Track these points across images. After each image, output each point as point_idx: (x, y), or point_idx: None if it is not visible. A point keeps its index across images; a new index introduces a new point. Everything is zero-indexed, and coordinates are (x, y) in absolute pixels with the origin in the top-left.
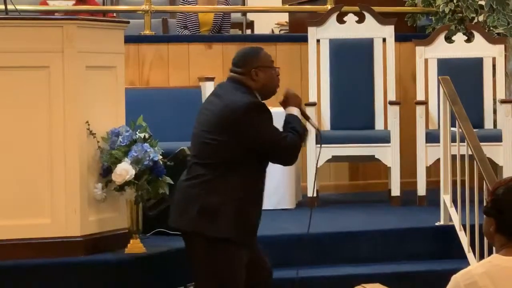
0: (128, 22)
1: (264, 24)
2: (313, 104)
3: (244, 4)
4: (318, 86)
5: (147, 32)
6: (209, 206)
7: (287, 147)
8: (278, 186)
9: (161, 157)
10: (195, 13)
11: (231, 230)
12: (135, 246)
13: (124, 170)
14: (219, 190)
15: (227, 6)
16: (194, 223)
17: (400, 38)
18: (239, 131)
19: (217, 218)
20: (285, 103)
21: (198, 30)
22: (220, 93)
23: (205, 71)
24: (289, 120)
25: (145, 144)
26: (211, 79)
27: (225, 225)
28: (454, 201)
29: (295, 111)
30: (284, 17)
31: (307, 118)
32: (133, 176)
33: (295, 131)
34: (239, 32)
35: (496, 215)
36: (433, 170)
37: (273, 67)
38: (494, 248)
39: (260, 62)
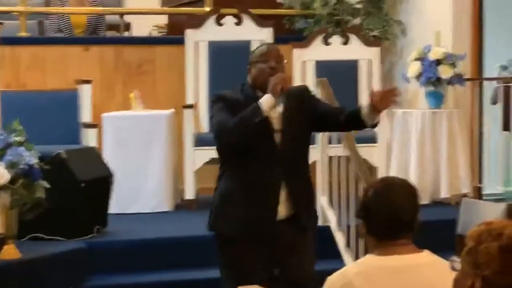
0: (2, 24)
1: (142, 26)
2: (190, 107)
3: (120, 6)
4: (196, 88)
5: (23, 33)
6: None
7: (217, 130)
8: (156, 188)
9: (37, 160)
10: (67, 15)
11: (213, 223)
12: (10, 252)
13: None
14: (217, 184)
15: (104, 8)
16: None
17: (278, 40)
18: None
19: (211, 212)
20: None
21: (72, 32)
22: None
23: (82, 73)
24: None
25: (21, 147)
26: (88, 81)
27: (212, 218)
28: (332, 202)
29: (264, 97)
30: (163, 20)
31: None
32: (8, 180)
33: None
34: (117, 34)
35: (365, 218)
36: None
37: (261, 61)
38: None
39: (251, 58)
